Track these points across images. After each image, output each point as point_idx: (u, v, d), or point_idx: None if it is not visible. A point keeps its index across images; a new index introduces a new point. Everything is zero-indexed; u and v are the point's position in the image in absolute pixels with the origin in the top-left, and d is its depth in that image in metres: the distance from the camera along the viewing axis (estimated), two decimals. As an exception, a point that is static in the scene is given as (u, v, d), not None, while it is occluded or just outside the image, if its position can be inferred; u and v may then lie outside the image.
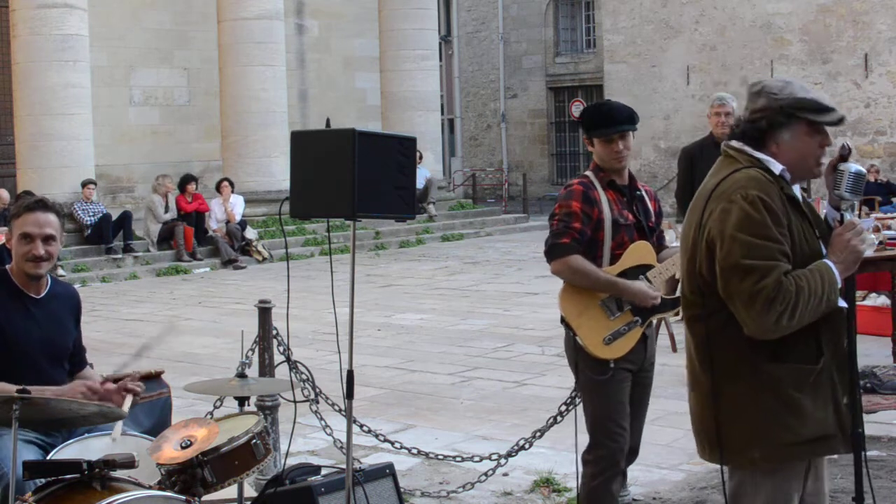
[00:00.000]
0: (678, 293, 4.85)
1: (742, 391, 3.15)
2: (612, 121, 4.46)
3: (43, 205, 4.17)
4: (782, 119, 3.15)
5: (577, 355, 4.52)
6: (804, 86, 3.19)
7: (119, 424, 3.99)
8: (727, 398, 3.17)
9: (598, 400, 4.48)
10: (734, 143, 3.25)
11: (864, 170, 3.23)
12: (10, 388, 3.86)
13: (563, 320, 4.55)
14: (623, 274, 4.49)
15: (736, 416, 3.17)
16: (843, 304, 3.14)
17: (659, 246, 4.70)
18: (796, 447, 3.13)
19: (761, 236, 3.05)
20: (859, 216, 3.23)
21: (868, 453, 3.26)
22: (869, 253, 3.13)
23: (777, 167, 3.16)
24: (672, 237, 10.44)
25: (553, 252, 4.46)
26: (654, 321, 4.70)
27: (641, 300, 4.45)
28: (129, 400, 4.15)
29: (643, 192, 4.67)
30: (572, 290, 4.51)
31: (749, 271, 3.03)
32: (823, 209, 3.34)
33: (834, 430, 3.15)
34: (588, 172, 4.60)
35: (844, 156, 3.23)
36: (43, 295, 4.23)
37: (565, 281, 4.52)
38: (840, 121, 3.17)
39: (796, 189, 3.24)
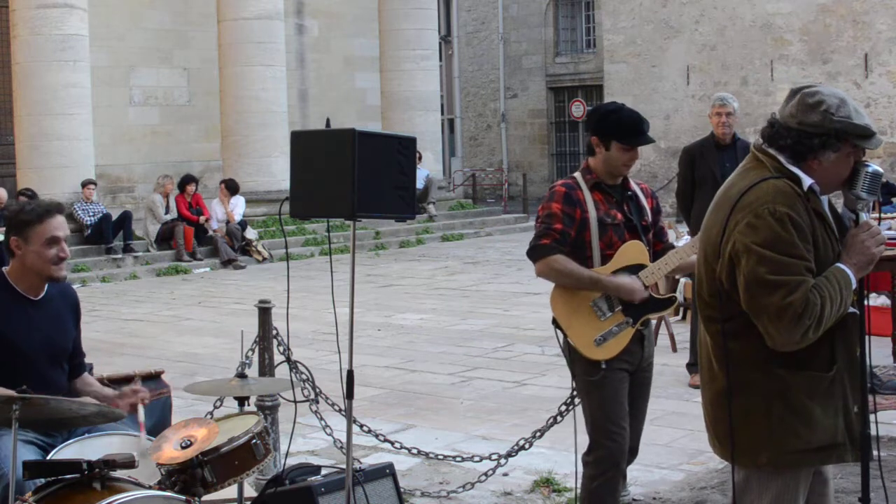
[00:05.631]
0: (678, 293, 4.84)
1: (754, 395, 3.15)
2: (640, 132, 4.44)
3: (59, 207, 4.26)
4: (835, 142, 3.10)
5: (570, 356, 4.53)
6: (857, 107, 3.14)
7: (143, 439, 3.98)
8: (740, 401, 3.16)
9: (596, 401, 4.47)
10: (768, 148, 3.19)
11: (881, 170, 3.19)
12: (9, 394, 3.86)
13: (554, 321, 4.55)
14: (615, 273, 4.47)
15: (747, 419, 3.16)
16: (851, 309, 3.13)
17: (659, 242, 4.69)
18: (804, 454, 3.13)
19: (788, 254, 3.02)
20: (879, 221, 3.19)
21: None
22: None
23: (807, 181, 3.11)
24: (672, 237, 10.45)
25: (534, 253, 4.47)
26: (653, 320, 4.68)
27: (627, 295, 4.42)
28: (141, 410, 4.16)
29: (636, 191, 4.65)
30: (563, 291, 4.50)
31: (777, 287, 3.01)
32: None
33: (843, 437, 3.15)
34: (576, 174, 4.59)
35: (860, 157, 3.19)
36: (41, 296, 4.22)
37: (551, 282, 4.51)
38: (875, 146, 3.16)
39: (824, 200, 3.21)
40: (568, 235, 4.42)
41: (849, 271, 3.08)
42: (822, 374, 3.12)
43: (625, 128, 4.44)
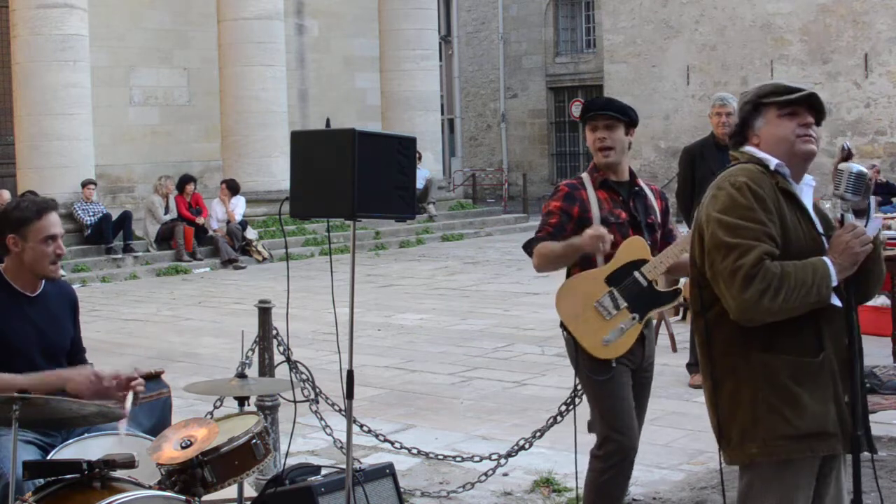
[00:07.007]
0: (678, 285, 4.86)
1: (739, 384, 3.18)
2: (599, 107, 4.55)
3: (55, 204, 4.27)
4: (750, 109, 3.29)
5: (578, 356, 4.53)
6: (780, 81, 3.37)
7: (123, 423, 3.98)
8: (725, 392, 3.20)
9: (604, 398, 4.49)
10: (736, 146, 3.37)
11: (865, 170, 3.22)
12: (10, 378, 3.86)
13: (561, 324, 4.56)
14: (617, 271, 4.48)
15: (734, 410, 3.19)
16: (837, 302, 3.13)
17: (667, 243, 4.69)
18: (794, 441, 3.13)
19: (745, 217, 3.11)
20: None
21: (868, 454, 3.25)
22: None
23: (773, 162, 3.23)
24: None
25: (528, 247, 4.55)
26: (654, 320, 4.68)
27: (592, 245, 4.35)
28: (129, 398, 4.13)
29: (644, 190, 4.67)
30: (567, 292, 4.52)
31: (731, 249, 3.09)
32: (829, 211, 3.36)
33: (834, 427, 3.14)
34: (583, 174, 4.65)
35: (846, 157, 3.24)
36: (38, 293, 4.22)
37: (541, 271, 4.58)
38: (809, 97, 3.23)
39: (809, 192, 3.27)
40: (563, 229, 4.47)
41: (830, 265, 3.11)
42: (809, 359, 3.14)
43: (587, 106, 4.59)
